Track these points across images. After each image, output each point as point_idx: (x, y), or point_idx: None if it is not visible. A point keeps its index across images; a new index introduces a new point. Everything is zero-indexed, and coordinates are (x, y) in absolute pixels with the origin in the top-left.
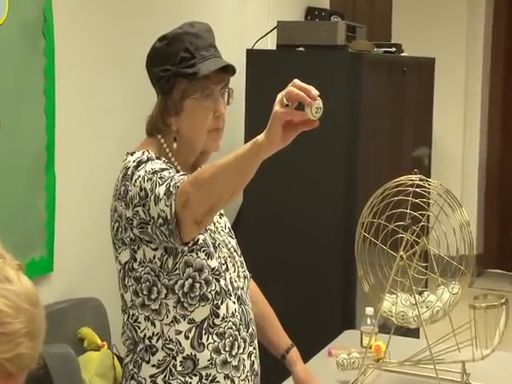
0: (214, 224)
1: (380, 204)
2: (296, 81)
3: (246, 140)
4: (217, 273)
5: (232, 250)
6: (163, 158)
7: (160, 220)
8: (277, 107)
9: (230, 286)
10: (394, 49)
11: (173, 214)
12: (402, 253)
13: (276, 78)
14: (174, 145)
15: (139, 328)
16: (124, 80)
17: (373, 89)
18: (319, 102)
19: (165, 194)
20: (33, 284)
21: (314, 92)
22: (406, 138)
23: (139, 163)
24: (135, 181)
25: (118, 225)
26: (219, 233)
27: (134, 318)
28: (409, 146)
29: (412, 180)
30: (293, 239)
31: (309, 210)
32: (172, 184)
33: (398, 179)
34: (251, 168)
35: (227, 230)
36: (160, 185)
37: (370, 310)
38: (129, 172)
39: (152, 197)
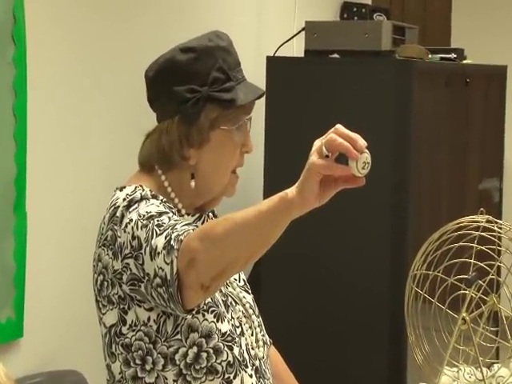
0: None
1: (436, 252)
2: (339, 127)
3: (266, 171)
4: (229, 339)
5: (248, 307)
6: (161, 197)
7: (157, 280)
8: (314, 157)
9: (245, 355)
10: (453, 55)
11: (174, 275)
12: (464, 314)
13: (303, 93)
14: (192, 183)
15: None
16: (112, 96)
17: (427, 106)
18: (367, 156)
19: (164, 248)
20: None
21: (362, 142)
22: (471, 167)
23: (130, 203)
24: (126, 225)
25: (102, 278)
26: (232, 286)
27: None
28: (474, 178)
29: (477, 221)
30: (326, 298)
31: (346, 259)
32: (174, 236)
33: (459, 220)
34: (277, 228)
35: (242, 282)
36: (158, 234)
37: None
38: (117, 213)
39: (147, 249)
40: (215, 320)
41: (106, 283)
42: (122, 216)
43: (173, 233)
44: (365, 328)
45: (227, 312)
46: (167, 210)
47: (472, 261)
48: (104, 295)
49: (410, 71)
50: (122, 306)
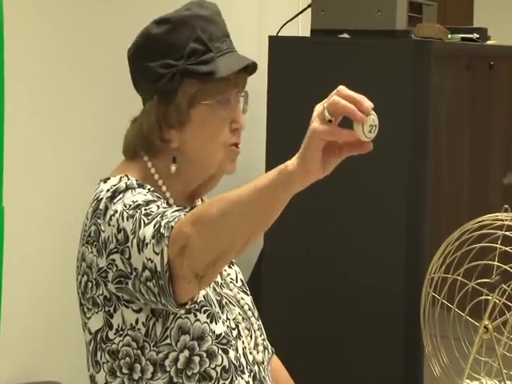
0: (221, 274)
1: (456, 253)
2: (342, 88)
3: (269, 157)
4: (224, 341)
5: (247, 309)
6: (148, 186)
7: (146, 273)
8: (315, 123)
9: (242, 360)
10: (476, 35)
11: (165, 265)
12: (486, 322)
13: (308, 76)
14: (173, 167)
15: None
16: (96, 82)
17: (446, 92)
18: (374, 118)
19: (153, 237)
20: None
21: (368, 104)
22: (494, 160)
23: (115, 193)
24: (110, 218)
25: (86, 279)
26: (228, 286)
27: None
28: (498, 172)
29: (501, 220)
30: (332, 303)
31: (355, 260)
32: (163, 223)
33: (481, 218)
34: (277, 205)
35: (239, 283)
36: (146, 224)
37: None
38: (101, 206)
39: (134, 241)
40: (208, 321)
41: (90, 284)
42: (106, 208)
43: (162, 220)
44: (376, 337)
45: (222, 312)
46: (155, 199)
47: (495, 263)
48: (88, 297)
49: (427, 53)
50: (107, 309)
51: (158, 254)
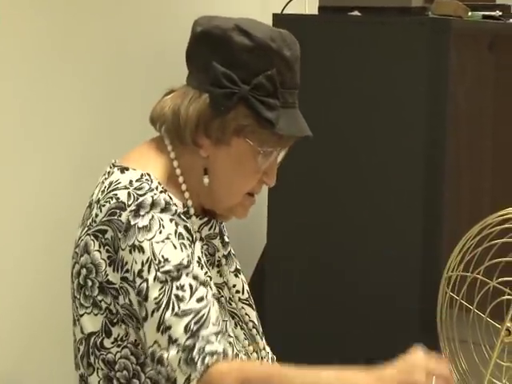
0: (227, 285)
1: (476, 249)
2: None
3: None
4: None
5: (251, 326)
6: (174, 208)
7: (157, 357)
8: (421, 377)
9: None
10: (498, 12)
11: None
12: (509, 324)
13: (316, 56)
14: (206, 180)
15: None
16: (86, 70)
17: (467, 74)
18: None
19: (183, 350)
20: None
21: None
22: None
23: (139, 208)
24: (133, 247)
25: (86, 273)
26: (233, 299)
27: None
28: None
29: None
30: (344, 300)
31: (368, 257)
32: (199, 347)
33: (503, 212)
34: None
35: (245, 295)
36: (175, 313)
37: None
38: (122, 216)
39: (156, 315)
40: None
41: (90, 282)
42: (128, 225)
43: (198, 337)
44: (390, 341)
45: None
46: (185, 255)
47: None
48: (87, 294)
49: (446, 32)
50: (109, 317)
51: (183, 374)
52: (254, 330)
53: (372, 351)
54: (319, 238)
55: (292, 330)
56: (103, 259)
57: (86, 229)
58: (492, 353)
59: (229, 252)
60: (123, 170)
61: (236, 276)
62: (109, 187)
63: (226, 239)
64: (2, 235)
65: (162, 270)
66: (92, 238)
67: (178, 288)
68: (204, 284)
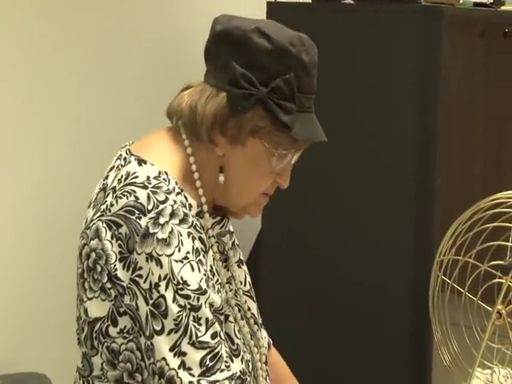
0: (234, 278)
1: (467, 234)
2: None
3: None
4: (238, 382)
5: (253, 322)
6: (191, 219)
7: (156, 376)
8: None
9: None
10: (490, 0)
11: None
12: (499, 307)
13: None
14: (221, 178)
15: None
16: (84, 57)
17: (458, 61)
18: None
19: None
20: None
21: None
22: (510, 133)
23: (159, 216)
24: (150, 257)
25: (96, 257)
26: (238, 293)
27: None
28: None
29: None
30: (337, 287)
31: (362, 240)
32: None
33: (494, 196)
34: None
35: (247, 286)
36: (191, 342)
37: None
38: (142, 221)
39: (174, 337)
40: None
41: (99, 268)
42: (147, 232)
43: (213, 381)
44: (382, 324)
45: (243, 347)
46: (202, 276)
47: (510, 243)
48: (95, 278)
49: (438, 19)
50: (117, 305)
51: None
52: (252, 320)
53: (364, 336)
54: (312, 224)
55: (286, 315)
56: (114, 252)
57: (99, 214)
58: (483, 335)
59: (233, 242)
60: (141, 162)
61: (239, 267)
62: (126, 178)
63: (231, 229)
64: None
65: (180, 292)
66: (105, 225)
67: (194, 319)
68: (218, 312)
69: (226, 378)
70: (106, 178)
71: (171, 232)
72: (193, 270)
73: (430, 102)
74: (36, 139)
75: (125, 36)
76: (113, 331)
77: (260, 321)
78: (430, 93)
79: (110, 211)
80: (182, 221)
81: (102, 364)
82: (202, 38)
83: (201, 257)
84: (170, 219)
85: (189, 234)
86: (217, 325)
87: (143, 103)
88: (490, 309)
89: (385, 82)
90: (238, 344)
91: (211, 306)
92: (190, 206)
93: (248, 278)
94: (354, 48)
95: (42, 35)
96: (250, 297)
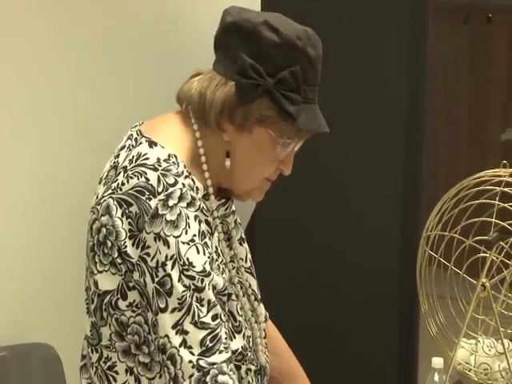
0: (236, 256)
1: (453, 210)
2: None
3: None
4: (239, 357)
5: (253, 299)
6: (198, 203)
7: (168, 361)
8: None
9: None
10: None
11: None
12: (484, 280)
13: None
14: (227, 162)
15: (115, 380)
16: (85, 45)
17: (443, 46)
18: None
19: (198, 370)
20: None
21: None
22: (493, 115)
23: (168, 198)
24: (158, 237)
25: (106, 233)
26: (240, 271)
27: (110, 363)
28: (496, 127)
29: (499, 176)
30: (329, 263)
31: (351, 218)
32: (213, 373)
33: (479, 174)
34: None
35: (248, 263)
36: (194, 322)
37: (438, 362)
38: (152, 202)
39: (177, 315)
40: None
41: (110, 243)
42: (156, 213)
43: (212, 363)
44: (371, 296)
45: (245, 323)
46: (206, 259)
47: (493, 220)
48: (106, 252)
49: (423, 6)
50: (127, 279)
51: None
52: (253, 297)
53: (356, 305)
54: (304, 204)
55: (280, 294)
56: (124, 229)
57: (110, 191)
58: (468, 307)
59: (235, 221)
60: (151, 144)
61: (240, 244)
62: (137, 159)
63: (233, 208)
64: (7, 187)
65: (186, 273)
66: (115, 203)
67: (197, 300)
68: (221, 293)
69: (224, 361)
70: (117, 156)
71: (179, 214)
72: (198, 252)
73: (416, 87)
74: (37, 133)
75: (125, 26)
76: (122, 304)
77: (259, 297)
78: (417, 78)
79: (120, 190)
80: (190, 204)
81: (110, 335)
82: (202, 28)
83: (206, 239)
84: (179, 202)
85: (196, 217)
86: (218, 307)
87: (144, 96)
88: (475, 282)
89: (373, 66)
90: (240, 321)
91: (214, 288)
92: (197, 188)
93: (249, 256)
94: (343, 34)
95: (41, 21)
96: (251, 273)
